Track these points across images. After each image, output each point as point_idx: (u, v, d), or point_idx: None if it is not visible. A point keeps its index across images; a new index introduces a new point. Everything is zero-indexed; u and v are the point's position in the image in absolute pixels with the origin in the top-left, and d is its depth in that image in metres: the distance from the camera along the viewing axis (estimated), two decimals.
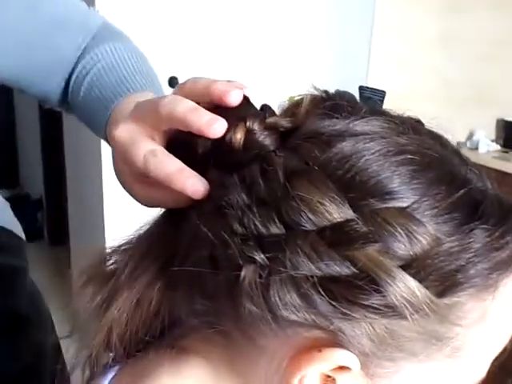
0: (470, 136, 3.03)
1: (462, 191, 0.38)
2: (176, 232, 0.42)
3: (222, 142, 0.40)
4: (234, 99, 0.41)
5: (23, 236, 0.86)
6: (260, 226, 0.36)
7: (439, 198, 0.38)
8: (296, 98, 0.45)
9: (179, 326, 0.45)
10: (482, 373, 0.43)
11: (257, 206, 0.37)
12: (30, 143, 3.55)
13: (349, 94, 0.47)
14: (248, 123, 0.40)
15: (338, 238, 0.36)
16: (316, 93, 0.45)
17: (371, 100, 0.49)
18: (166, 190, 0.42)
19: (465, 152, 0.44)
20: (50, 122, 2.92)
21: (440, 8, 2.66)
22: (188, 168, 0.42)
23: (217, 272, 0.38)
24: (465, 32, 2.76)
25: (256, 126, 0.40)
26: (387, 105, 0.48)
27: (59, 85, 0.69)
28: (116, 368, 0.47)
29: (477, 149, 2.94)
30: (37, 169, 3.40)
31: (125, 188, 0.48)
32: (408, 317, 0.35)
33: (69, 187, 2.52)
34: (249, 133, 0.40)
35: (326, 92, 0.45)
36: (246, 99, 0.43)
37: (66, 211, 2.65)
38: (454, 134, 0.46)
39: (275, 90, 1.79)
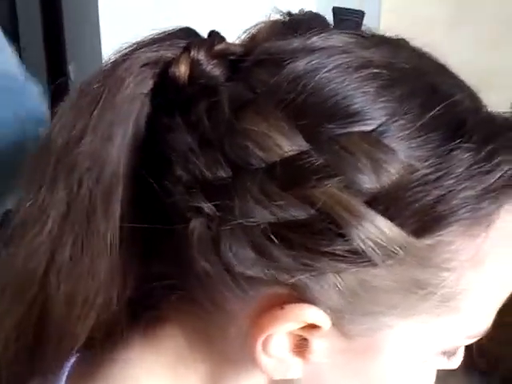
0: None
1: (441, 107, 0.32)
2: None
3: (164, 77, 0.35)
4: None
5: None
6: (205, 170, 0.32)
7: (412, 118, 0.32)
8: (257, 24, 0.40)
9: (146, 295, 0.40)
10: (486, 324, 0.37)
11: (200, 147, 0.32)
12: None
13: (317, 14, 0.41)
14: (192, 53, 0.35)
15: (290, 175, 0.31)
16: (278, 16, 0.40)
17: (347, 21, 0.43)
18: None
19: None
20: None
21: None
22: None
23: (165, 228, 0.34)
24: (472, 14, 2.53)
25: (202, 56, 0.35)
26: None
27: None
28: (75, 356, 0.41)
29: None
30: None
31: None
32: (379, 263, 0.30)
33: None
34: (194, 64, 0.35)
35: (288, 13, 0.40)
36: (187, 29, 0.38)
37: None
38: None
39: None
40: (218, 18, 1.58)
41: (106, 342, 0.40)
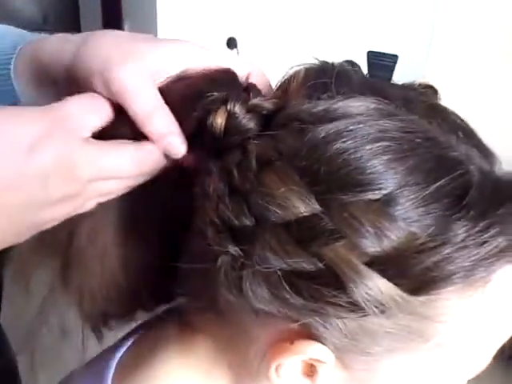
0: None
1: (445, 179, 0.35)
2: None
3: (203, 127, 0.39)
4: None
5: None
6: (233, 218, 0.36)
7: (417, 188, 0.35)
8: (291, 72, 0.43)
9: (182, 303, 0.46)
10: (483, 364, 0.41)
11: (230, 196, 0.36)
12: None
13: (350, 65, 0.44)
14: (229, 106, 0.38)
15: (304, 233, 0.35)
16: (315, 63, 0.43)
17: (380, 66, 0.46)
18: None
19: None
20: None
21: None
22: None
23: (197, 264, 0.39)
24: None
25: (238, 109, 0.38)
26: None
27: None
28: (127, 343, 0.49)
29: None
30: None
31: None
32: (375, 315, 0.34)
33: None
34: (230, 117, 0.38)
35: (324, 64, 0.43)
36: (232, 75, 0.41)
37: None
38: None
39: None
40: None
41: (151, 337, 0.47)
